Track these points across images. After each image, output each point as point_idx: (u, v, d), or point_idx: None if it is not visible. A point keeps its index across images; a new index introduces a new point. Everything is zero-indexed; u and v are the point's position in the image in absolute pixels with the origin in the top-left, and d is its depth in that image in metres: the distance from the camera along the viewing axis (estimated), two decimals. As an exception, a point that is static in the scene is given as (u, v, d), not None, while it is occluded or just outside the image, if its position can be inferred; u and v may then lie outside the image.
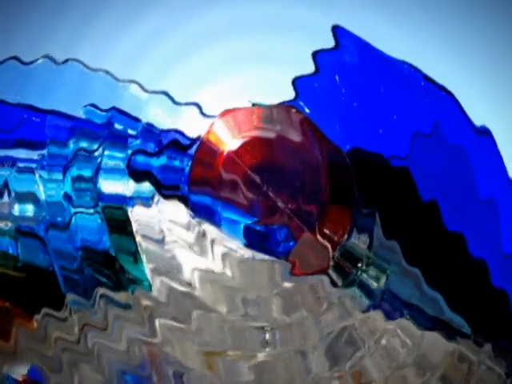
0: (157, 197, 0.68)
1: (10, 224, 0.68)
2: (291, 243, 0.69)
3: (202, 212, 0.68)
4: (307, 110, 0.69)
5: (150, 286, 0.69)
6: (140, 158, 0.68)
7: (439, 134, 0.70)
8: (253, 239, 0.68)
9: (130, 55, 0.66)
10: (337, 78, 0.71)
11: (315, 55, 0.71)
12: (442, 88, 0.70)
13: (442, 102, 0.71)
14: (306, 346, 0.71)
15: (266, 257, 0.68)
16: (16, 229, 0.68)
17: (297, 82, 0.72)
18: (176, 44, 0.66)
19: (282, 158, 0.68)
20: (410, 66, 0.71)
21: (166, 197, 0.68)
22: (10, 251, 0.68)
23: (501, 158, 0.70)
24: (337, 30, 0.71)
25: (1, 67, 0.67)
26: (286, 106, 0.70)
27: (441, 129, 0.70)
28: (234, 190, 0.67)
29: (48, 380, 0.69)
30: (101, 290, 0.68)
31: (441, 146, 0.70)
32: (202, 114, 0.68)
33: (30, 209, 0.68)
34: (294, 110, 0.70)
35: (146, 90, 0.67)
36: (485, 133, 0.70)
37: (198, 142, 0.68)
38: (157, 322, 0.69)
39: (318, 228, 0.68)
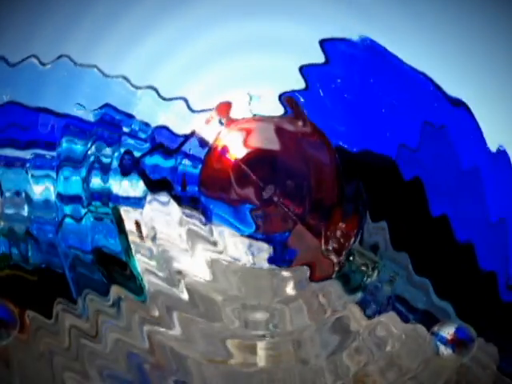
0: (149, 195, 0.67)
1: (2, 223, 0.68)
2: (294, 250, 0.66)
3: (195, 211, 0.66)
4: (302, 99, 0.67)
5: (142, 280, 0.68)
6: (133, 157, 0.67)
7: (448, 140, 0.68)
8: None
9: (118, 51, 0.65)
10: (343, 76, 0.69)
11: (322, 47, 0.69)
12: (455, 100, 0.68)
13: (452, 109, 0.68)
14: (307, 353, 0.69)
15: (268, 266, 0.66)
16: (9, 228, 0.68)
17: (302, 75, 0.69)
18: (164, 37, 0.65)
19: (284, 157, 0.66)
20: (421, 72, 0.68)
21: (159, 195, 0.67)
22: (3, 250, 0.68)
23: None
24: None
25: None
26: (287, 99, 0.67)
27: (449, 134, 0.69)
28: (227, 188, 0.65)
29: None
30: (93, 291, 0.68)
31: (450, 156, 0.68)
32: (194, 108, 0.66)
33: (22, 208, 0.68)
34: (296, 105, 0.67)
35: (134, 86, 0.66)
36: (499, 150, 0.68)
37: (208, 149, 0.66)
38: (148, 329, 0.68)
39: (324, 233, 0.66)
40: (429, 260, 0.68)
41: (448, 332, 0.67)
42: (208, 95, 0.66)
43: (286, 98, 0.67)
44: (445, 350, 0.67)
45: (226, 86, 0.66)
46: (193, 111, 0.66)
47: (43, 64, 0.66)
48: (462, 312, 0.68)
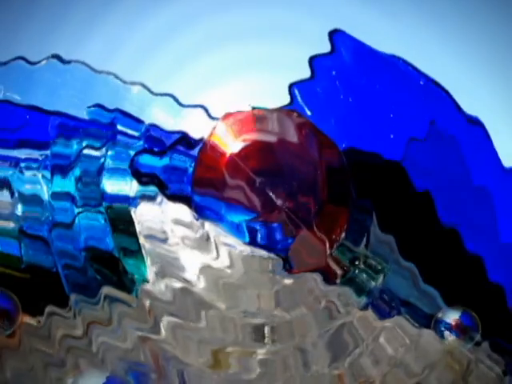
0: (160, 197, 0.69)
1: (13, 224, 0.68)
2: (289, 240, 0.70)
3: (204, 212, 0.69)
4: (308, 112, 0.71)
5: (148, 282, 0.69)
6: (143, 159, 0.69)
7: (435, 132, 0.72)
8: (254, 237, 0.69)
9: (135, 57, 0.67)
10: (335, 78, 0.73)
11: (312, 58, 0.73)
12: (437, 84, 0.72)
13: (437, 98, 0.72)
14: (304, 342, 0.72)
15: (267, 254, 0.70)
16: (19, 229, 0.68)
17: (295, 85, 0.74)
18: (181, 47, 0.67)
19: (282, 159, 0.70)
20: (406, 62, 0.72)
21: (169, 197, 0.69)
22: (14, 252, 0.68)
23: (494, 150, 0.72)
24: (333, 32, 0.73)
25: (5, 68, 0.67)
26: (286, 109, 0.71)
27: (436, 126, 0.72)
28: (236, 190, 0.68)
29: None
30: (105, 290, 0.69)
31: (436, 144, 0.72)
32: (205, 116, 0.69)
33: (33, 209, 0.68)
34: (294, 114, 0.71)
35: (151, 92, 0.68)
36: (477, 124, 0.72)
37: (202, 144, 0.69)
38: (160, 320, 0.70)
39: (315, 226, 0.70)
40: (415, 245, 0.71)
41: (452, 318, 0.70)
42: (218, 105, 0.69)
43: (286, 110, 0.71)
44: (449, 336, 0.70)
45: (234, 97, 0.70)
46: (205, 119, 0.69)
47: (59, 67, 0.66)
48: (450, 300, 0.71)
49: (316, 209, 0.70)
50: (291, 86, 0.72)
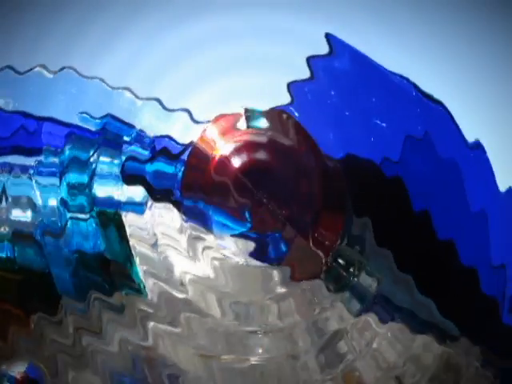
0: (150, 202, 0.70)
1: (7, 228, 0.69)
2: (284, 249, 0.70)
3: (194, 216, 0.69)
4: (296, 114, 0.71)
5: (144, 288, 0.70)
6: (134, 164, 0.70)
7: (430, 144, 0.72)
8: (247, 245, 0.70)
9: (122, 63, 0.68)
10: (330, 87, 0.73)
11: (309, 62, 0.73)
12: (433, 99, 0.72)
13: (432, 111, 0.72)
14: (297, 349, 0.71)
15: (259, 263, 0.70)
16: (13, 233, 0.69)
17: (290, 89, 0.74)
18: (167, 51, 0.68)
19: (275, 165, 0.70)
20: (402, 77, 0.72)
21: (159, 201, 0.70)
22: (7, 254, 0.69)
23: (491, 170, 0.71)
24: (331, 39, 0.73)
25: (-1, 75, 0.69)
26: (278, 111, 0.71)
27: (432, 139, 0.72)
28: (225, 195, 0.68)
29: (46, 378, 0.70)
30: (95, 294, 0.70)
31: (432, 156, 0.72)
32: (194, 120, 0.69)
33: (26, 213, 0.70)
34: (286, 117, 0.71)
35: (138, 97, 0.69)
36: (476, 146, 0.71)
37: (191, 148, 0.69)
38: (150, 326, 0.70)
39: (311, 233, 0.70)
40: (411, 257, 0.70)
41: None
42: (207, 108, 0.70)
43: (277, 112, 0.71)
44: None
45: (223, 100, 0.70)
46: (194, 122, 0.70)
47: (50, 73, 0.68)
48: (444, 309, 0.70)
49: (312, 216, 0.70)
50: (289, 88, 0.72)
